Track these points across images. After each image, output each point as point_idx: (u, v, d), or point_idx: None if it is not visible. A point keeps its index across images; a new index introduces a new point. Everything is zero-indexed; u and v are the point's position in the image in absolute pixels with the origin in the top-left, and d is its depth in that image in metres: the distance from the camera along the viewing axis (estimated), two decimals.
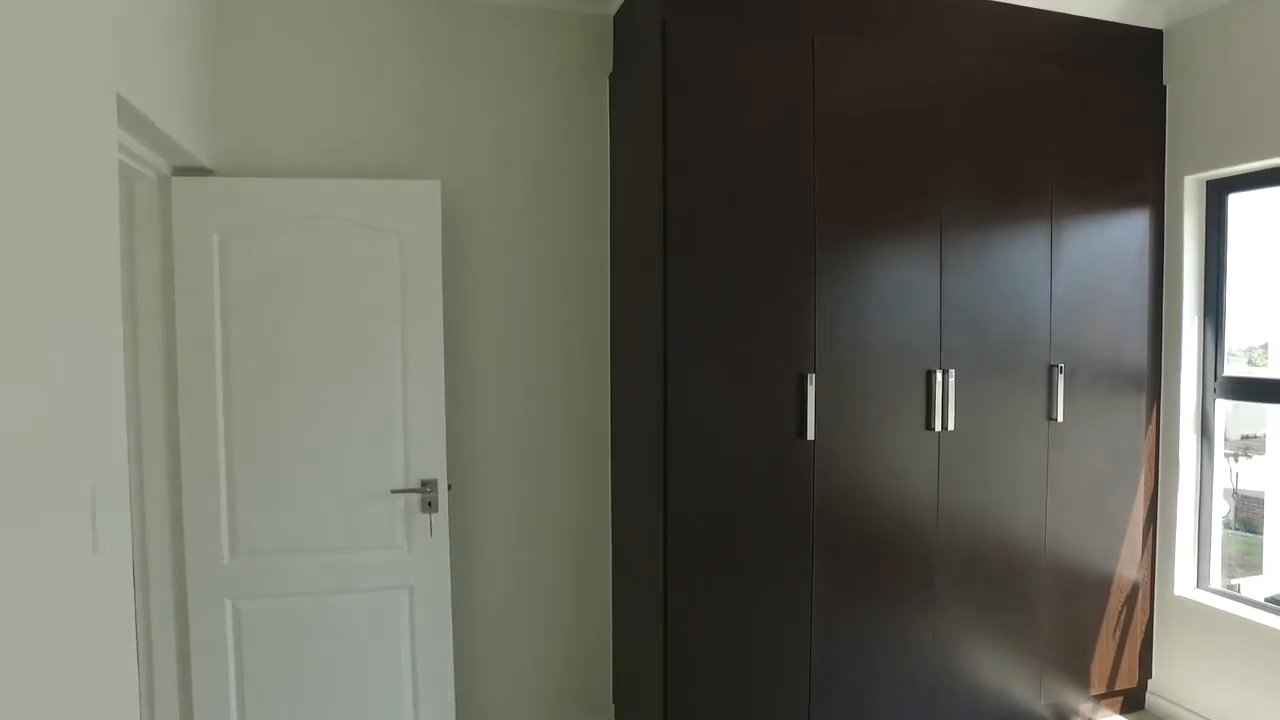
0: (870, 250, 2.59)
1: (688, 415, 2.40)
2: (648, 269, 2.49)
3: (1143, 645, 3.09)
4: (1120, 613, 3.03)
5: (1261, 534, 4.18)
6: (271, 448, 2.47)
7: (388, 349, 2.54)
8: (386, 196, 2.53)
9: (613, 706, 3.02)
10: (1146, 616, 3.09)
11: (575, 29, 2.86)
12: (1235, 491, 4.22)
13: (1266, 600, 2.93)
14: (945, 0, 2.68)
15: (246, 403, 2.45)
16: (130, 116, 1.79)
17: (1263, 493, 4.19)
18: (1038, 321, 2.82)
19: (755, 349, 2.46)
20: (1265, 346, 3.38)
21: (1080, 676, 2.98)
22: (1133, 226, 2.97)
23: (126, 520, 1.63)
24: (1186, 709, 2.99)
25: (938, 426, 2.68)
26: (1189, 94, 2.95)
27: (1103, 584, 2.99)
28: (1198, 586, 3.07)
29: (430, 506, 2.57)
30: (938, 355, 2.68)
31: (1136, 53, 2.99)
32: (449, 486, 2.65)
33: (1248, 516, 4.26)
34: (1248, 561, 4.24)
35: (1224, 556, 3.18)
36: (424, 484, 2.57)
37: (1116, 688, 3.05)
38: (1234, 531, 4.20)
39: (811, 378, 2.50)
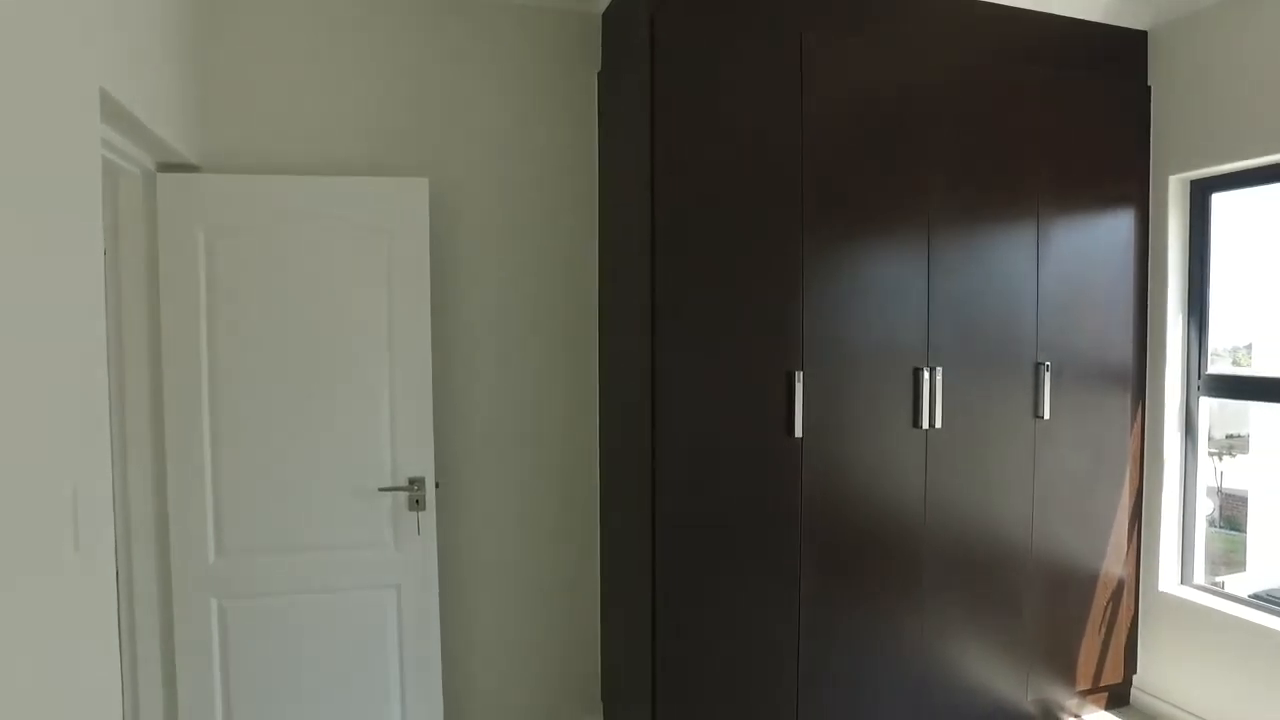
0: (858, 248, 2.60)
1: (676, 413, 2.40)
2: (636, 267, 2.49)
3: (1128, 641, 3.11)
4: (1106, 609, 3.05)
5: (1245, 532, 4.22)
6: (257, 446, 2.46)
7: (375, 346, 2.53)
8: (374, 194, 2.52)
9: (601, 705, 3.02)
10: (1131, 613, 3.11)
11: (564, 27, 2.86)
12: (1220, 490, 4.26)
13: (1250, 597, 2.96)
14: (933, 0, 2.69)
15: (232, 401, 2.44)
16: (114, 111, 1.77)
17: (1246, 491, 4.24)
18: (1024, 319, 2.84)
19: (743, 346, 2.46)
20: (1249, 347, 3.42)
21: (1066, 672, 3.00)
22: (1118, 225, 3.00)
23: (109, 518, 1.62)
24: (1171, 704, 3.02)
25: (925, 424, 2.69)
26: (1173, 94, 2.98)
27: (1089, 580, 3.01)
28: (1182, 583, 3.10)
29: (418, 504, 2.56)
30: (925, 353, 2.69)
31: (1121, 53, 3.02)
32: (436, 484, 2.64)
33: (1232, 514, 4.31)
34: (1231, 559, 4.28)
35: (1208, 554, 3.21)
36: (412, 482, 2.56)
37: (1102, 683, 3.07)
38: (1218, 529, 4.24)
39: (800, 375, 2.50)
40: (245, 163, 2.54)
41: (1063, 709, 3.04)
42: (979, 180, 2.75)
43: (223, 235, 2.43)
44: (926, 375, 2.68)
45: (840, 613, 2.63)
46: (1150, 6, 2.89)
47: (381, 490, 2.55)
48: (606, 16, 2.83)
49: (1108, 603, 3.05)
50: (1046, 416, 2.87)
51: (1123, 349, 3.02)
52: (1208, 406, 3.09)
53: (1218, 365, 3.11)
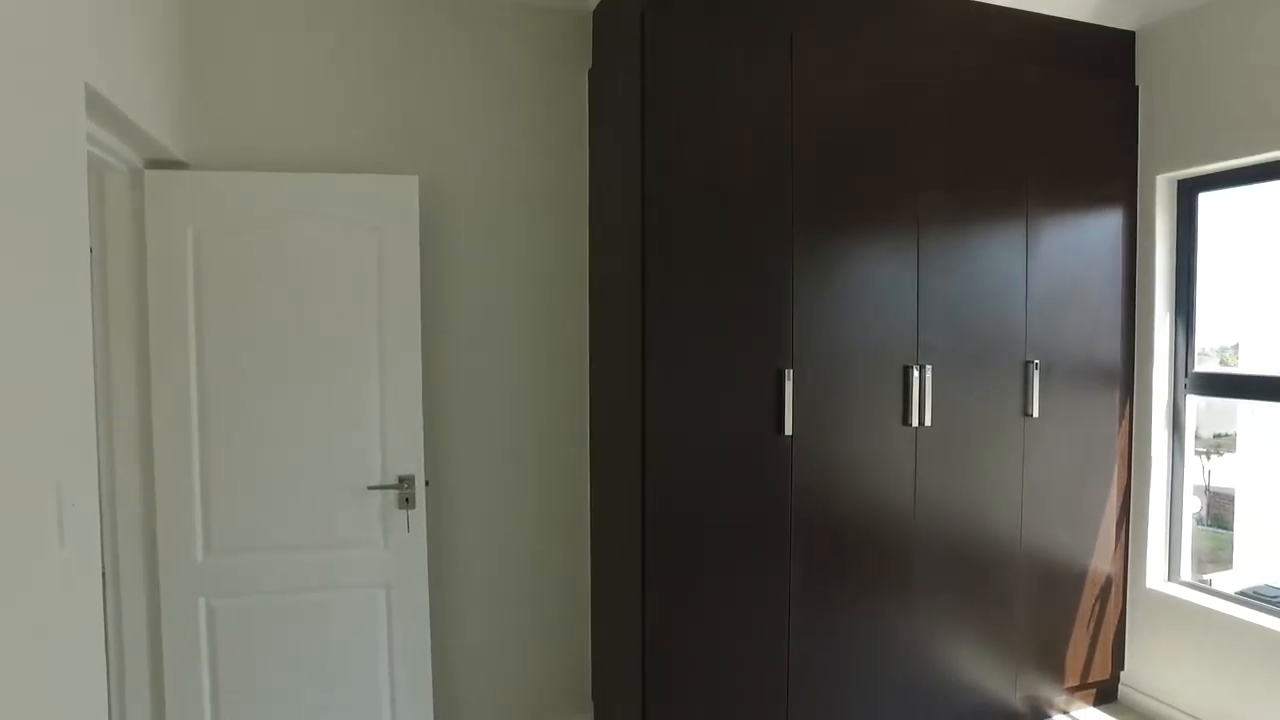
0: (848, 247, 2.60)
1: (666, 411, 2.40)
2: (626, 265, 2.49)
3: (1115, 638, 3.13)
4: (1094, 606, 3.07)
5: (1232, 530, 4.26)
6: (247, 444, 2.45)
7: (365, 344, 2.53)
8: (364, 191, 2.51)
9: (592, 704, 3.02)
10: (1119, 609, 3.13)
11: (554, 24, 2.86)
12: (1207, 488, 4.30)
13: (1237, 594, 2.98)
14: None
15: (221, 398, 2.43)
16: (100, 107, 1.76)
17: (1233, 490, 4.27)
18: (1014, 318, 2.85)
19: (733, 345, 2.46)
20: (1236, 347, 3.45)
21: (1055, 669, 3.01)
22: (1106, 225, 3.01)
23: (95, 515, 1.61)
24: (1157, 699, 3.04)
25: (915, 422, 2.70)
26: (1160, 94, 3.00)
27: (1077, 577, 3.03)
28: (1169, 580, 3.12)
29: (408, 503, 2.56)
30: (915, 351, 2.70)
31: (1110, 53, 3.03)
32: (426, 483, 2.64)
33: (1219, 513, 4.34)
34: (1219, 557, 4.31)
35: (1196, 552, 3.23)
36: (401, 480, 2.55)
37: (1090, 680, 3.09)
38: (1206, 527, 4.28)
39: (790, 373, 2.51)
40: (234, 160, 2.53)
41: (1051, 705, 3.06)
42: (968, 179, 2.76)
43: (211, 233, 2.41)
44: (916, 373, 2.69)
45: (830, 610, 2.63)
46: (1138, 7, 2.91)
47: (371, 488, 2.54)
48: (597, 14, 2.83)
49: (1096, 599, 3.07)
50: (1035, 415, 2.89)
51: (1111, 347, 3.04)
52: (1195, 405, 3.11)
53: (1206, 365, 3.13)
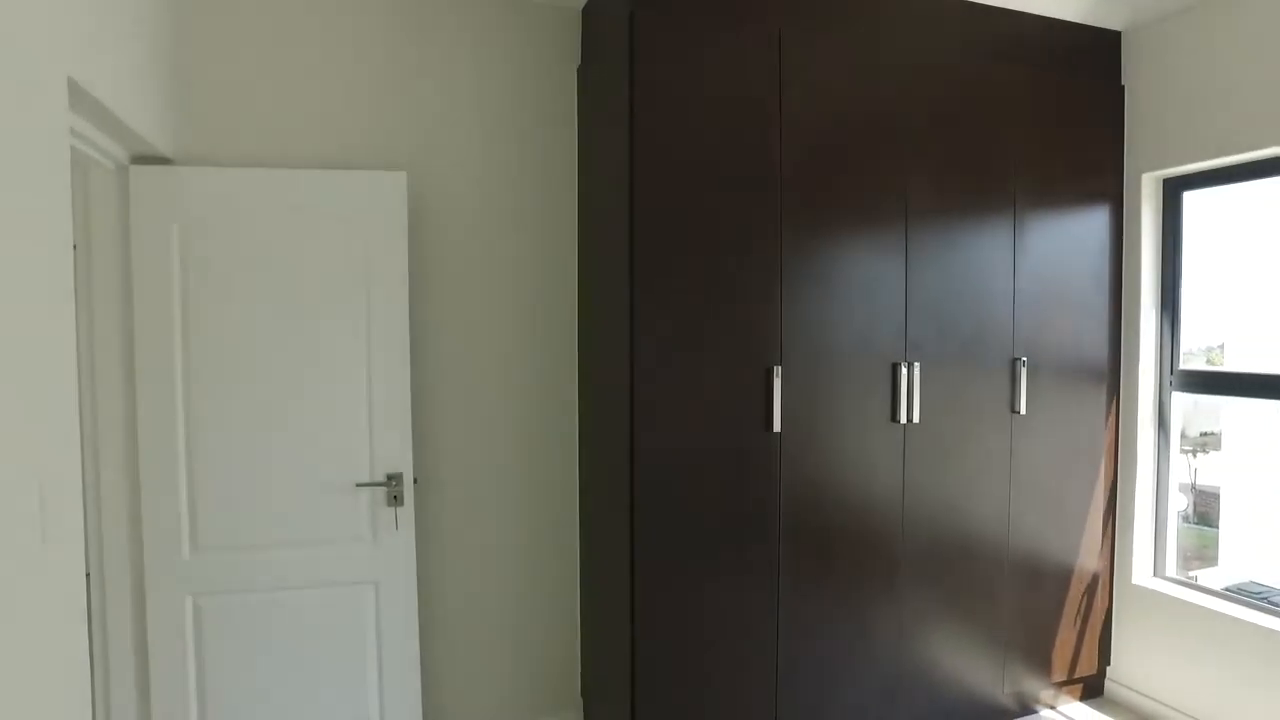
0: (836, 244, 2.61)
1: (655, 408, 2.40)
2: (615, 261, 2.50)
3: (1102, 633, 3.15)
4: (1081, 601, 3.09)
5: (1217, 528, 4.30)
6: (234, 441, 2.43)
7: (353, 342, 2.52)
8: (352, 188, 2.51)
9: (581, 701, 3.02)
10: (1106, 605, 3.15)
11: (544, 22, 2.86)
12: (1194, 487, 4.34)
13: (1223, 590, 3.00)
14: None
15: (208, 395, 2.41)
16: (83, 101, 1.75)
17: (1219, 488, 4.31)
18: (1001, 315, 2.87)
19: (721, 341, 2.47)
20: (1222, 347, 3.49)
21: (1042, 664, 3.03)
22: (1093, 223, 3.04)
23: (79, 512, 1.60)
24: (1143, 694, 3.06)
25: (903, 419, 2.71)
26: (1145, 94, 3.02)
27: (1064, 573, 3.05)
28: (1155, 575, 3.14)
29: (396, 500, 2.55)
30: (903, 348, 2.71)
31: (1096, 53, 3.06)
32: (415, 480, 2.63)
33: (1205, 511, 4.38)
34: (1205, 554, 4.35)
35: (1182, 549, 3.26)
36: (390, 478, 2.55)
37: (1077, 675, 3.11)
38: (1192, 525, 4.32)
39: (778, 370, 2.52)
40: (221, 156, 2.51)
41: (1038, 700, 3.08)
42: (956, 178, 2.78)
43: (198, 229, 2.40)
44: (904, 371, 2.70)
45: (819, 606, 2.64)
46: (1125, 7, 2.93)
47: (359, 486, 2.53)
48: (586, 11, 2.83)
49: (1082, 595, 3.09)
50: (1023, 412, 2.90)
51: (1098, 345, 3.06)
52: (1180, 401, 3.13)
53: (1192, 364, 3.16)
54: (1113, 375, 3.11)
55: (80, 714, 1.59)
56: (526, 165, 2.86)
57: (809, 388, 2.58)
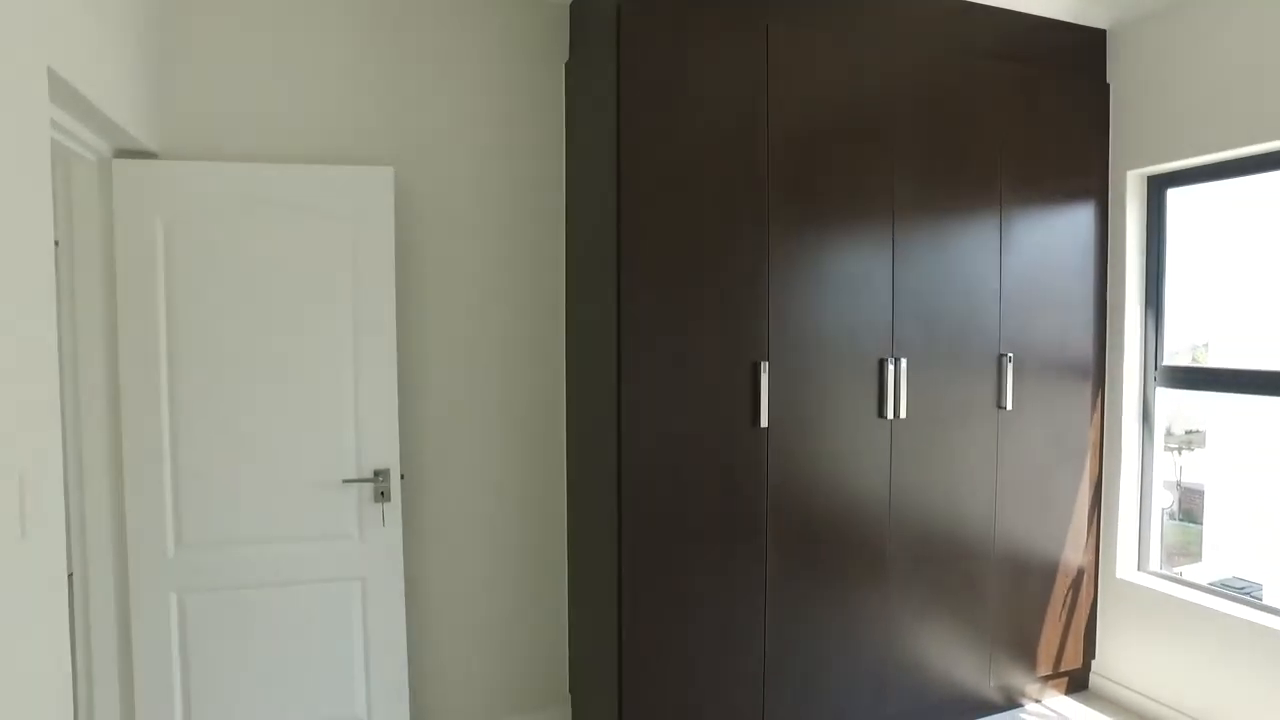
0: (823, 240, 2.62)
1: (642, 403, 2.40)
2: (601, 256, 2.49)
3: (1087, 627, 3.18)
4: (1066, 596, 3.11)
5: (1201, 524, 4.34)
6: (219, 436, 2.42)
7: (339, 337, 2.51)
8: (338, 182, 2.49)
9: (569, 696, 3.02)
10: (1091, 599, 3.18)
11: (531, 17, 2.85)
12: (1179, 484, 4.38)
13: (1207, 585, 3.03)
14: None
15: (193, 390, 2.40)
16: (64, 93, 1.73)
17: (1203, 485, 4.35)
18: (987, 311, 2.88)
19: (709, 337, 2.47)
20: (1207, 345, 3.52)
21: (1027, 658, 3.05)
22: (1079, 220, 3.06)
23: (60, 507, 1.59)
24: (1127, 687, 3.09)
25: (890, 414, 2.72)
26: (1130, 91, 3.05)
27: (1049, 568, 3.07)
28: (1139, 569, 3.17)
29: (383, 496, 2.54)
30: (890, 344, 2.72)
31: (1082, 51, 3.08)
32: (401, 476, 2.62)
33: (1189, 508, 4.43)
34: (1189, 550, 4.39)
35: (1167, 545, 3.28)
36: (376, 473, 2.54)
37: (1062, 669, 3.14)
38: (1177, 522, 4.36)
39: (765, 365, 2.52)
40: (205, 150, 2.50)
41: (1024, 694, 3.10)
42: (943, 174, 2.79)
43: (182, 224, 2.38)
44: (891, 366, 2.71)
45: (806, 601, 2.65)
46: (1110, 6, 2.95)
47: (346, 482, 2.52)
48: (574, 8, 2.82)
49: (1068, 590, 3.11)
50: (1009, 407, 2.92)
51: (1083, 341, 3.09)
52: (1165, 398, 3.16)
53: (1178, 362, 3.18)
54: (1098, 371, 3.14)
55: (62, 713, 1.57)
56: (514, 161, 2.86)
57: (796, 383, 2.59)
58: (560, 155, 2.92)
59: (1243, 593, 2.92)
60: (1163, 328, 3.11)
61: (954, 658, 2.91)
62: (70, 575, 2.30)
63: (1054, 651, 3.10)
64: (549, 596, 2.98)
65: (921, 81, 2.74)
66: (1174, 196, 3.07)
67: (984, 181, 2.86)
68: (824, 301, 2.62)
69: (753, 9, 2.51)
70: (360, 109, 2.66)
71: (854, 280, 2.67)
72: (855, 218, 2.66)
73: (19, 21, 1.42)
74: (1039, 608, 3.06)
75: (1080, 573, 3.14)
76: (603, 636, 2.57)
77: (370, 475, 2.53)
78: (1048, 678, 3.14)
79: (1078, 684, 3.22)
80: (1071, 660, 3.15)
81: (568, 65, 2.88)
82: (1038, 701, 3.13)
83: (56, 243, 2.26)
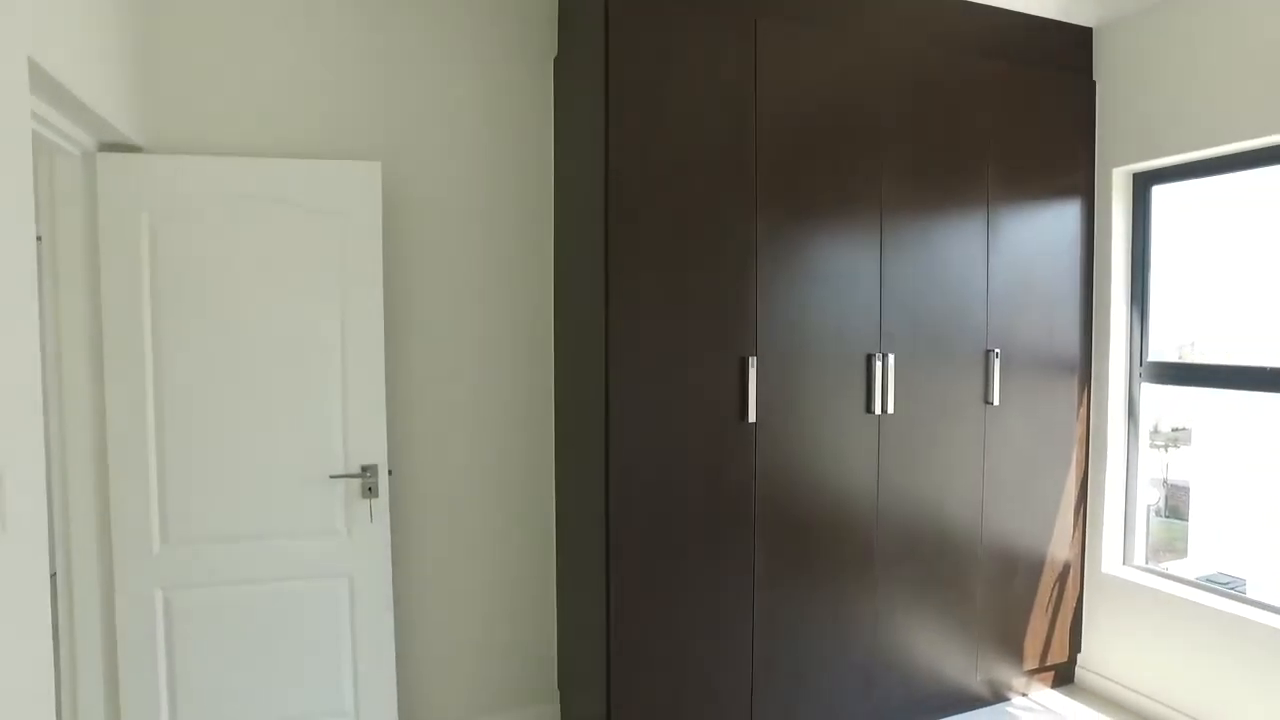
0: (811, 235, 2.63)
1: (630, 399, 2.40)
2: (590, 252, 2.49)
3: (1073, 621, 3.20)
4: (1052, 590, 3.13)
5: (1187, 520, 4.38)
6: (205, 432, 2.41)
7: (327, 332, 2.50)
8: (326, 178, 2.48)
9: (557, 694, 3.02)
10: (1077, 594, 3.20)
11: (519, 12, 2.85)
12: (1166, 481, 4.41)
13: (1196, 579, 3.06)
14: None
15: (178, 386, 2.38)
16: (45, 85, 1.72)
17: (1189, 482, 4.39)
18: (975, 307, 2.90)
19: (697, 332, 2.47)
20: (1193, 344, 3.54)
21: (1014, 652, 3.07)
22: (1065, 216, 3.07)
23: (42, 502, 1.57)
24: (1113, 680, 3.11)
25: (878, 410, 2.73)
26: (1116, 89, 3.07)
27: (1036, 562, 3.09)
28: (1124, 564, 3.19)
29: (370, 492, 2.53)
30: (877, 340, 2.73)
31: (1068, 48, 3.09)
32: (389, 472, 2.61)
33: (1176, 505, 4.46)
34: (1175, 547, 4.43)
35: (1153, 542, 3.31)
36: (364, 469, 2.53)
37: (1048, 662, 3.16)
38: (1163, 518, 4.40)
39: (753, 360, 2.53)
40: (191, 144, 2.48)
41: (1010, 688, 3.12)
42: (931, 171, 2.80)
43: (168, 218, 2.37)
44: (879, 362, 2.72)
45: (794, 596, 2.66)
46: (1096, 4, 2.97)
47: (333, 477, 2.51)
48: (562, 1, 2.82)
49: (1054, 584, 3.13)
50: (996, 402, 2.94)
51: (1069, 337, 3.10)
52: (1151, 394, 3.18)
53: (1163, 358, 3.21)
54: (1084, 367, 3.16)
55: (44, 714, 1.56)
56: (503, 155, 2.85)
57: (784, 378, 2.59)
58: (549, 149, 2.92)
59: (1227, 587, 2.95)
60: (1148, 324, 3.13)
61: (941, 651, 2.93)
62: (53, 574, 2.28)
63: (1040, 645, 3.12)
64: (538, 591, 2.98)
65: (909, 78, 2.74)
66: (1158, 194, 3.09)
67: (971, 178, 2.87)
68: (812, 297, 2.63)
69: (741, 3, 2.52)
70: (349, 104, 2.65)
71: (842, 276, 2.67)
72: (844, 213, 2.67)
73: None
74: (1025, 602, 3.08)
75: (1066, 567, 3.16)
76: (591, 632, 2.57)
77: (358, 471, 2.53)
78: (1034, 671, 3.16)
79: (1064, 677, 3.25)
80: (1058, 654, 3.17)
81: (556, 60, 2.88)
82: (1024, 695, 3.15)
83: (39, 237, 2.25)
